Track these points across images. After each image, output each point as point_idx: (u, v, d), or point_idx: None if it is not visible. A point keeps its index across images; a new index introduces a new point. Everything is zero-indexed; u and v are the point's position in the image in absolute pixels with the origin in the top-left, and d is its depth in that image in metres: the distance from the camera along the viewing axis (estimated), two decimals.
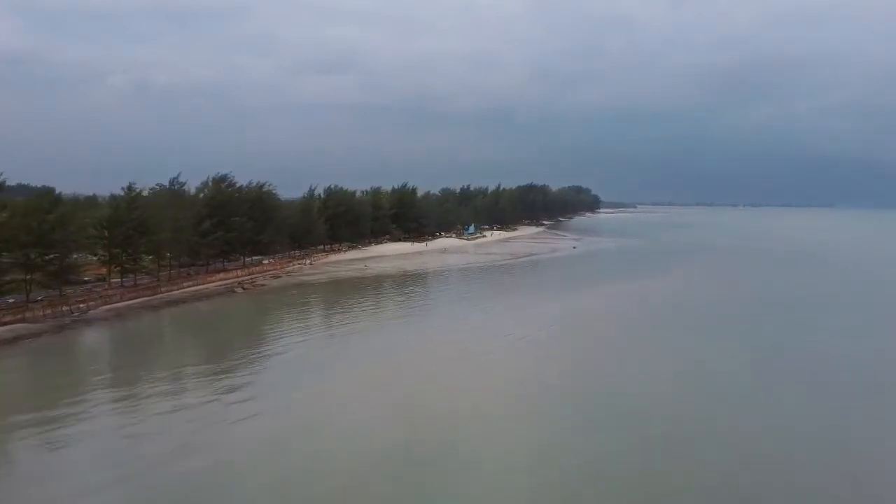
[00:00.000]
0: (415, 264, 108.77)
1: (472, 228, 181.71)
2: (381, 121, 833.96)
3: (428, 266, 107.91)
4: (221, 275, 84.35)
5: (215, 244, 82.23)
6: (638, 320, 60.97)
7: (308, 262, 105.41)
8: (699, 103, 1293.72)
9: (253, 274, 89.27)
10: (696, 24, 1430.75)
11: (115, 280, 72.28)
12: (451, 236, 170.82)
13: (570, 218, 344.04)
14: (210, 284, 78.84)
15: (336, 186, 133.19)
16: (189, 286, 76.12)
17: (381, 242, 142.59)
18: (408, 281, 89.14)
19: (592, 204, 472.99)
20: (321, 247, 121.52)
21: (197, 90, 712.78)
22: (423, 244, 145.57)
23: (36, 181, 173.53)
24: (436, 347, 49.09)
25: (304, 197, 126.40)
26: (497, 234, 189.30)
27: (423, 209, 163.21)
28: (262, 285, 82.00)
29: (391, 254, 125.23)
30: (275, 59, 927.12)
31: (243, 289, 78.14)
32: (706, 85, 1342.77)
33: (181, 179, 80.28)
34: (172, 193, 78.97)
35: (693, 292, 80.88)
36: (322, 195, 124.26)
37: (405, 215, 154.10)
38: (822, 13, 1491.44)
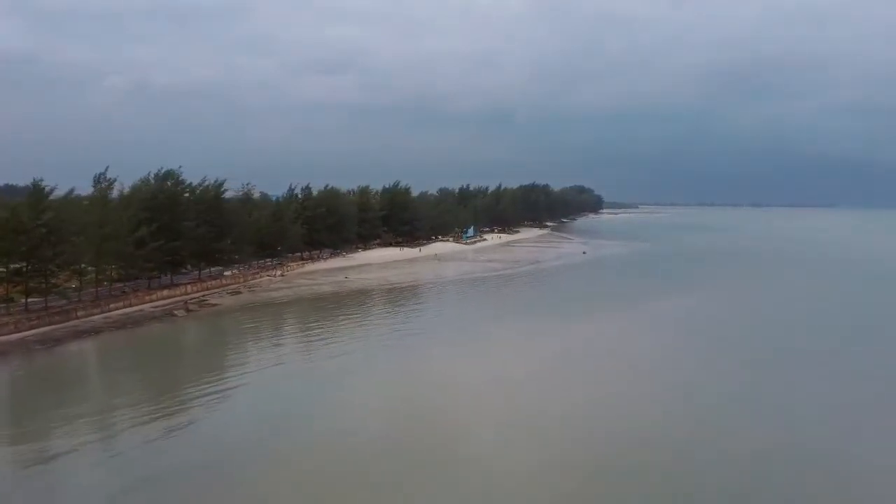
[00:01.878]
0: (404, 275, 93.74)
1: (470, 231, 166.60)
2: (381, 121, 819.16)
3: (419, 277, 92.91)
4: (166, 292, 69.25)
5: (155, 255, 67.08)
6: (686, 356, 46.05)
7: (279, 273, 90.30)
8: (700, 103, 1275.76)
9: (207, 290, 74.21)
10: (697, 23, 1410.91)
11: (34, 300, 57.29)
12: (447, 240, 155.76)
13: (574, 219, 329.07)
14: (146, 305, 63.76)
15: (328, 186, 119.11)
16: (118, 308, 60.99)
17: (369, 248, 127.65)
18: (392, 298, 74.12)
19: (595, 204, 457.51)
20: (299, 254, 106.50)
21: (197, 90, 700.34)
22: (417, 249, 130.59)
23: (30, 181, 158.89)
24: (412, 411, 34.06)
25: (281, 197, 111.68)
26: (498, 238, 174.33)
27: (417, 210, 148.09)
28: (214, 305, 66.91)
29: (379, 261, 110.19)
30: (275, 59, 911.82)
31: (187, 311, 63.02)
32: (707, 84, 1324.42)
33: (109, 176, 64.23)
34: (100, 193, 63.60)
35: (747, 314, 65.93)
36: (299, 195, 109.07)
37: (397, 217, 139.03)
38: (824, 13, 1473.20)
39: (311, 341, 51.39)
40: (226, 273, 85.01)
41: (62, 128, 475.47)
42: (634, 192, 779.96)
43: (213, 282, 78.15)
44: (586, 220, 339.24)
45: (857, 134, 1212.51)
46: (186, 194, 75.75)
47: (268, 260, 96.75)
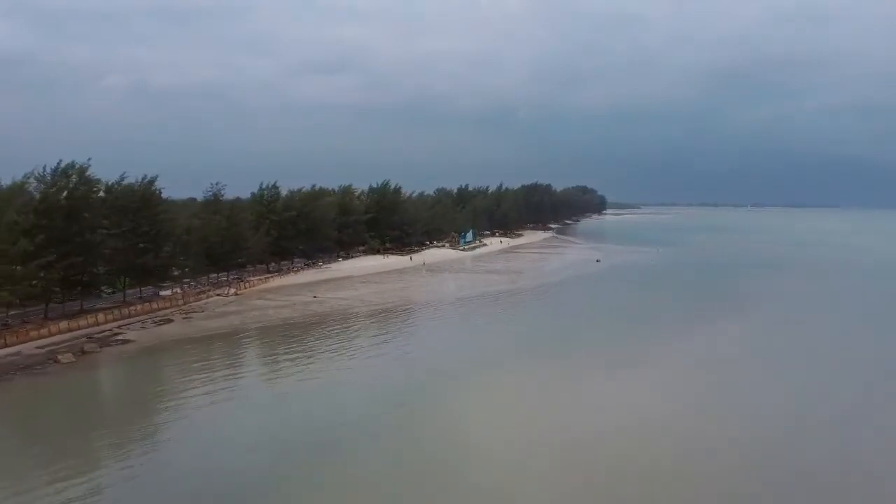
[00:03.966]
0: (387, 292, 76.90)
1: (469, 236, 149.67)
2: (380, 121, 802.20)
3: (405, 295, 76.11)
4: (65, 324, 52.32)
5: (51, 273, 50.28)
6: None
7: (233, 291, 73.40)
8: (700, 103, 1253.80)
9: (128, 319, 57.38)
10: (698, 23, 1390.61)
11: None
12: (443, 246, 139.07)
13: (578, 220, 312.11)
14: (30, 344, 47.06)
15: (316, 186, 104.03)
16: None
17: (352, 256, 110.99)
18: (365, 331, 57.06)
19: (599, 205, 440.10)
20: (265, 266, 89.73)
21: (197, 90, 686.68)
22: (408, 258, 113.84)
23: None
24: None
25: (251, 198, 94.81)
26: (499, 243, 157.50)
27: (408, 213, 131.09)
28: (125, 342, 50.09)
29: (360, 273, 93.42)
30: (275, 59, 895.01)
31: (80, 353, 46.16)
32: (707, 84, 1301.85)
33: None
34: None
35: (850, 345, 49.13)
36: (266, 196, 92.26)
37: (385, 221, 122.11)
38: (824, 13, 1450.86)
39: (222, 407, 34.64)
40: (164, 293, 68.27)
41: (61, 128, 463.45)
42: (635, 193, 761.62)
43: (141, 306, 61.21)
44: (590, 222, 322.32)
45: (858, 134, 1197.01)
46: (98, 196, 58.58)
47: (224, 275, 79.96)
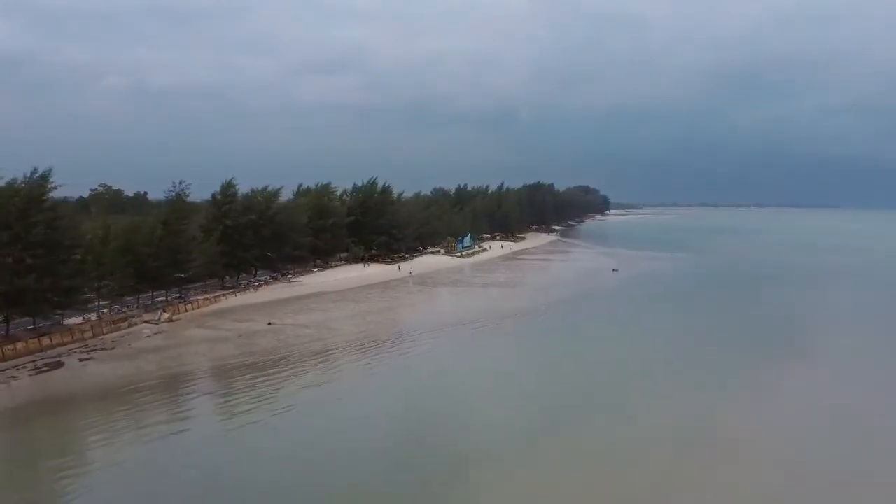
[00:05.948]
0: (363, 316, 61.46)
1: (467, 240, 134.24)
2: (381, 121, 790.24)
3: (387, 320, 60.77)
4: None
5: None
6: None
7: (165, 316, 57.90)
8: (700, 103, 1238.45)
9: (15, 357, 42.06)
10: (698, 23, 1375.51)
11: None
12: (438, 252, 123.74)
13: (581, 221, 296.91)
14: None
15: (303, 185, 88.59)
16: None
17: (331, 265, 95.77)
18: (315, 383, 41.51)
19: (602, 205, 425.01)
20: (220, 280, 74.37)
21: (197, 90, 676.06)
22: (396, 267, 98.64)
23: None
24: None
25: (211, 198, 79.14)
26: (500, 247, 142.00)
27: (399, 215, 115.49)
28: None
29: (336, 288, 78.07)
30: (275, 59, 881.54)
31: None
32: (707, 84, 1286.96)
33: None
34: None
35: None
36: (219, 196, 76.72)
37: (371, 224, 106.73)
38: (824, 13, 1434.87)
39: None
40: (72, 321, 52.85)
41: (61, 128, 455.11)
42: (635, 192, 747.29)
43: (25, 344, 45.70)
44: (594, 223, 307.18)
45: (858, 134, 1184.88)
46: None
47: (162, 294, 64.54)
